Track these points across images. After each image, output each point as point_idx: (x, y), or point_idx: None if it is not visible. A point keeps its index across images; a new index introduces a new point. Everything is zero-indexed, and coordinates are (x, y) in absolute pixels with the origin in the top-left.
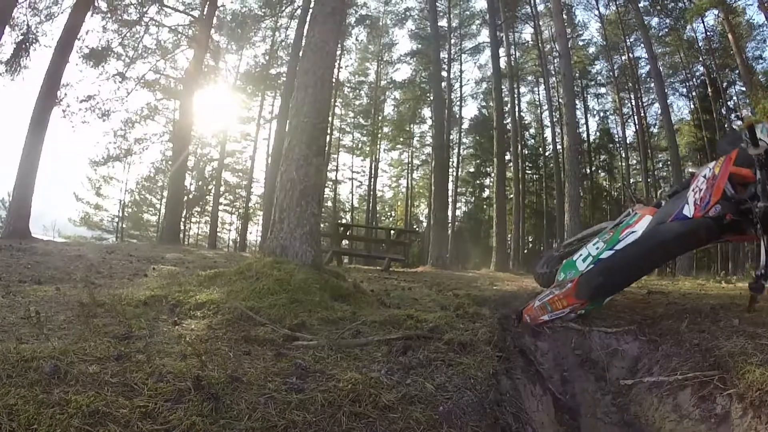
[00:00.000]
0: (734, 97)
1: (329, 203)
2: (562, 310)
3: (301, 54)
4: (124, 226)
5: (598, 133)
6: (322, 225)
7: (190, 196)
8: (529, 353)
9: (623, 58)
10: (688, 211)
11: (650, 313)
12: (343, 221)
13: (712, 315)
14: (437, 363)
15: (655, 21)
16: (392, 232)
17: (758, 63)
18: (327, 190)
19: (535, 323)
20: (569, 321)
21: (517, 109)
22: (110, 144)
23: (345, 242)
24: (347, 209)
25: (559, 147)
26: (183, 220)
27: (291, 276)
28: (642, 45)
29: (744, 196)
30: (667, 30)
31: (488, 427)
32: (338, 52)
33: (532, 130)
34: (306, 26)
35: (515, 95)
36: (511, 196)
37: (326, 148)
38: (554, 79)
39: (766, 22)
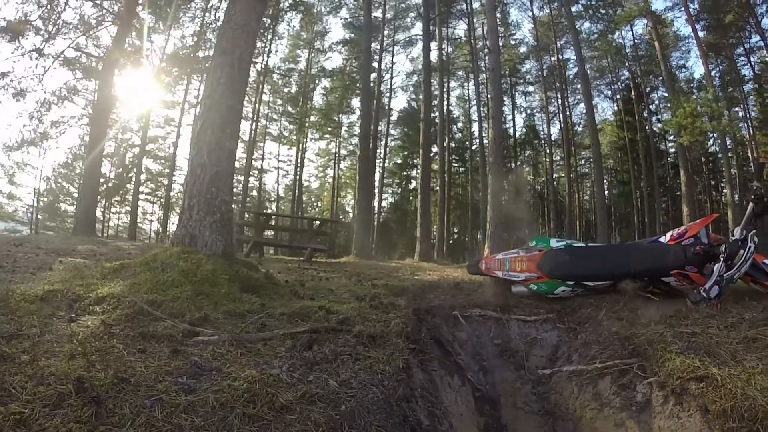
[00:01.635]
0: (656, 102)
1: (254, 192)
2: (517, 275)
3: (219, 32)
4: (39, 217)
5: (524, 130)
6: (246, 215)
7: (109, 185)
8: (446, 344)
9: (553, 59)
10: (664, 239)
11: (569, 302)
12: (268, 211)
13: (631, 304)
14: (344, 357)
15: (586, 25)
16: (315, 222)
17: (681, 72)
18: (252, 179)
19: (487, 273)
20: (489, 309)
21: (446, 102)
22: (25, 127)
23: (270, 233)
24: (273, 199)
25: (485, 141)
26: (101, 210)
27: (198, 267)
28: (572, 47)
29: (714, 248)
30: (596, 35)
31: (396, 426)
32: (269, 37)
33: (460, 124)
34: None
35: (444, 89)
36: (437, 188)
37: (253, 137)
38: (484, 75)
39: (691, 34)
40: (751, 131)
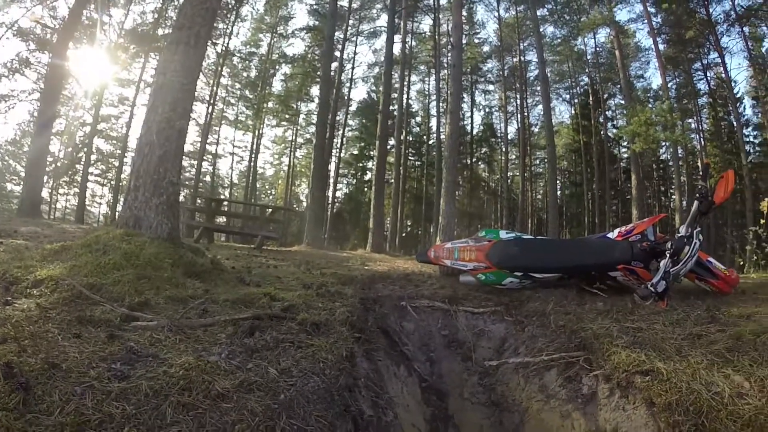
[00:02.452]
0: (612, 108)
1: (207, 178)
2: (465, 264)
3: (179, 8)
4: None
5: (481, 127)
6: (198, 201)
7: (58, 164)
8: (393, 334)
9: (515, 59)
10: (612, 235)
11: (518, 295)
12: (222, 197)
13: (578, 298)
14: (286, 345)
15: (550, 30)
16: (267, 209)
17: (639, 81)
18: (206, 164)
19: (436, 262)
20: (437, 300)
21: (405, 96)
22: None
23: (223, 219)
24: (226, 185)
25: (443, 136)
26: (49, 191)
27: (141, 250)
28: (534, 50)
29: (660, 245)
30: (560, 40)
31: (336, 415)
32: (232, 19)
33: (418, 119)
34: None
35: (405, 82)
36: (392, 180)
37: (209, 120)
38: (445, 71)
39: (652, 46)
40: (703, 142)
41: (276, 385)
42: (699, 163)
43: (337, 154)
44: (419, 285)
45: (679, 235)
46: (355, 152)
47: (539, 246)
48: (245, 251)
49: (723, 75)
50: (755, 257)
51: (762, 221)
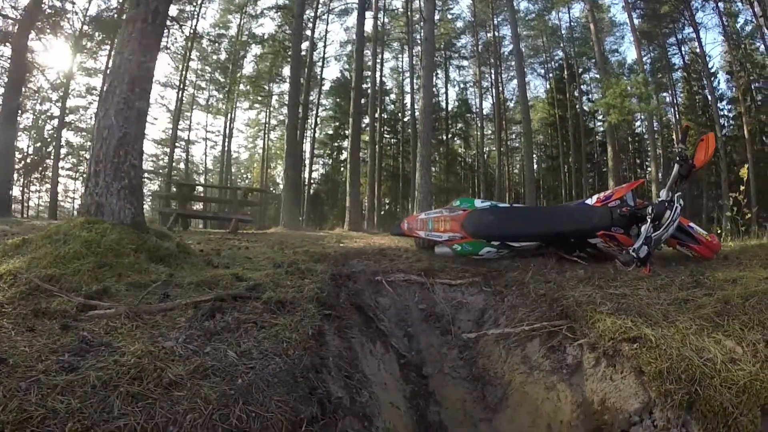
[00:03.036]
0: (587, 82)
1: (182, 165)
2: (440, 235)
3: None
4: None
5: (456, 103)
6: (173, 188)
7: (27, 161)
8: (368, 310)
9: (489, 35)
10: (590, 202)
11: (496, 265)
12: (194, 182)
13: (558, 267)
14: (248, 326)
15: (524, 5)
16: (240, 191)
17: (614, 56)
18: (179, 151)
19: (410, 235)
20: (413, 274)
21: (379, 73)
22: None
23: (200, 206)
24: (201, 171)
25: (417, 113)
26: (20, 189)
27: (103, 237)
28: (508, 25)
29: (640, 210)
30: (534, 15)
31: (300, 399)
32: (199, 1)
33: (393, 96)
34: None
35: (378, 59)
36: (368, 158)
37: (179, 106)
38: (419, 48)
39: (627, 21)
40: (678, 116)
41: (234, 369)
42: (674, 137)
43: (312, 135)
44: (395, 259)
45: (660, 199)
46: (330, 132)
47: (516, 214)
48: (219, 236)
49: (698, 50)
50: (731, 225)
51: (742, 188)
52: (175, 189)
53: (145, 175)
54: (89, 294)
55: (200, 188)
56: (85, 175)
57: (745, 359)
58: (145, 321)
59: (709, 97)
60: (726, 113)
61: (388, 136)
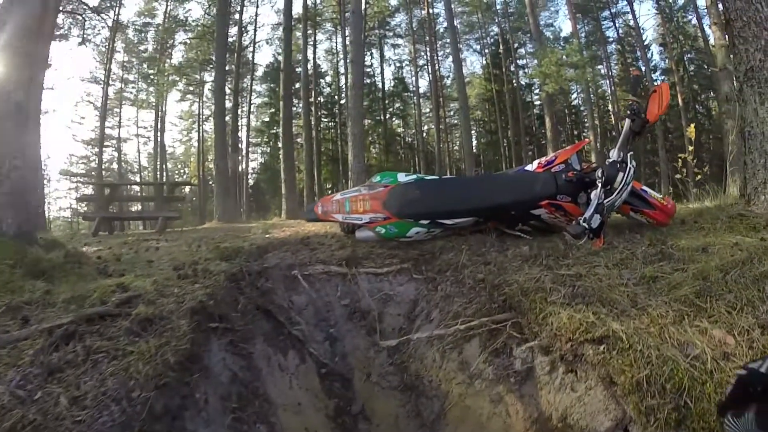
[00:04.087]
0: (524, 57)
1: (114, 165)
2: (360, 216)
3: None
4: None
5: (393, 82)
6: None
7: None
8: (279, 313)
9: (423, 12)
10: (531, 168)
11: (428, 246)
12: (113, 182)
13: (499, 244)
14: (99, 357)
15: None
16: (164, 187)
17: (548, 29)
18: (110, 150)
19: (325, 219)
20: (333, 264)
21: (312, 55)
22: None
23: (138, 206)
24: (135, 170)
25: (348, 90)
26: None
27: None
28: (442, 1)
29: (588, 174)
30: None
31: None
32: None
33: (328, 78)
34: None
35: (310, 41)
36: (303, 142)
37: (105, 101)
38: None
39: None
40: (613, 87)
41: (58, 426)
42: (610, 107)
43: (247, 123)
44: (316, 248)
45: (611, 160)
46: (266, 119)
47: (446, 187)
48: (144, 236)
49: (632, 22)
50: (680, 188)
51: (690, 148)
52: (95, 191)
53: (77, 178)
54: None
55: (130, 187)
56: None
57: (740, 352)
58: None
59: (643, 68)
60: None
61: (326, 119)
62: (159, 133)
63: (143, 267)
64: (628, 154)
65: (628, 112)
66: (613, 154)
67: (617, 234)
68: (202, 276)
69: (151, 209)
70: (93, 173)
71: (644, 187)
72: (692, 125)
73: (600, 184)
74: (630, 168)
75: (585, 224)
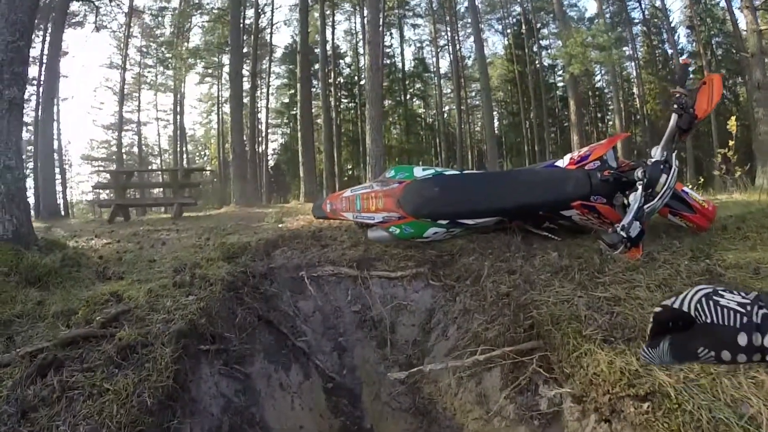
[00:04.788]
0: (547, 38)
1: (134, 149)
2: (372, 216)
3: None
4: None
5: (413, 62)
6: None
7: None
8: (282, 324)
9: None
10: (561, 163)
11: (447, 246)
12: (153, 167)
13: (525, 247)
14: (75, 393)
15: None
16: (178, 172)
17: (572, 9)
18: (131, 134)
19: (334, 217)
20: (343, 266)
21: (331, 36)
22: None
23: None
24: (156, 153)
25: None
26: None
27: None
28: None
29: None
30: None
31: None
32: None
33: (348, 59)
34: None
35: (329, 21)
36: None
37: (122, 86)
38: None
39: None
40: (638, 70)
41: None
42: (635, 90)
43: (266, 104)
44: (328, 245)
45: (654, 160)
46: (286, 100)
47: (467, 183)
48: (159, 224)
49: (658, 3)
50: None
51: (731, 142)
52: (110, 178)
53: (98, 163)
54: None
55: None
56: None
57: None
58: None
59: (670, 51)
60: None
61: (345, 100)
62: (178, 116)
63: (143, 269)
64: (672, 154)
65: (675, 106)
66: (656, 153)
67: (653, 239)
68: (199, 285)
69: (167, 196)
70: (114, 157)
71: (686, 189)
72: (733, 118)
73: (641, 187)
74: (674, 170)
75: (623, 233)
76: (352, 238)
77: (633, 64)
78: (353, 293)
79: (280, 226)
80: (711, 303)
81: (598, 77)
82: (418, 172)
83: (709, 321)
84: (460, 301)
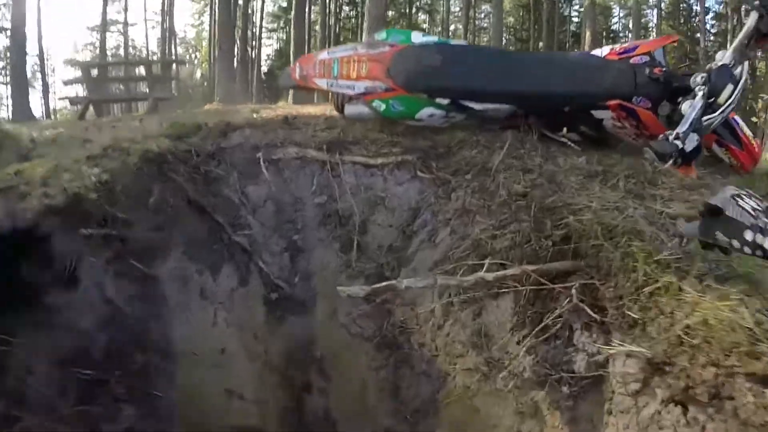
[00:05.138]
0: None
1: (121, 51)
2: (352, 83)
3: None
4: None
5: None
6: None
7: None
8: (216, 211)
9: None
10: (600, 53)
11: (443, 136)
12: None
13: (543, 148)
14: None
15: None
16: (154, 65)
17: None
18: (117, 36)
19: (304, 85)
20: (311, 148)
21: None
22: None
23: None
24: (144, 55)
25: None
26: None
27: None
28: None
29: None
30: None
31: None
32: None
33: None
34: None
35: None
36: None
37: None
38: None
39: None
40: (659, 20)
41: None
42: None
43: (261, 6)
44: (298, 128)
45: (720, 63)
46: (284, 4)
47: (479, 57)
48: (129, 118)
49: None
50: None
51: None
52: (81, 72)
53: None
54: None
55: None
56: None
57: None
58: None
59: (696, 8)
60: (708, 28)
61: (347, 7)
62: (168, 17)
63: (73, 148)
64: (745, 63)
65: (756, 2)
66: (725, 57)
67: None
68: (112, 156)
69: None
70: (97, 61)
71: (737, 118)
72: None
73: (701, 94)
74: (743, 82)
75: (678, 142)
76: (328, 123)
77: (655, 12)
78: (319, 181)
79: (254, 116)
80: (733, 202)
81: (616, 19)
82: (417, 37)
83: (729, 215)
84: (457, 199)
